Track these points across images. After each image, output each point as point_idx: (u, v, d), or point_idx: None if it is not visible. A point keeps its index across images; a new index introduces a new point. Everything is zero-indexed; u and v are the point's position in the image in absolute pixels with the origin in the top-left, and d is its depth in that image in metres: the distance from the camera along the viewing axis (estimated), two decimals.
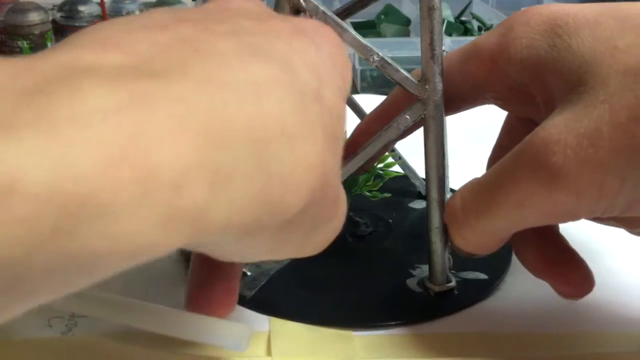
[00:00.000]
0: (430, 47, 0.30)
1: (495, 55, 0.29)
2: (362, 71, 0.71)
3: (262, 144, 0.18)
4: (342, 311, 0.33)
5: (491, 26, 0.85)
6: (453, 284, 0.33)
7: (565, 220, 0.28)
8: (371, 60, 0.31)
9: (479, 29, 0.86)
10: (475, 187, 0.29)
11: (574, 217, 0.26)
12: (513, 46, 0.28)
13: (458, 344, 0.31)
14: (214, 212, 0.17)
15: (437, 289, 0.33)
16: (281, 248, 0.22)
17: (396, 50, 0.71)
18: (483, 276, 0.35)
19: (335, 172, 0.22)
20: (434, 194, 0.31)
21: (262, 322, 0.32)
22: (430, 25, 0.29)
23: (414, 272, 0.35)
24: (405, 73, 0.31)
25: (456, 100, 0.32)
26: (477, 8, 0.93)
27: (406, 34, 0.82)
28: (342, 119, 0.23)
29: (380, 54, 0.31)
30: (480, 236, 0.29)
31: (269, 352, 0.30)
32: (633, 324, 0.32)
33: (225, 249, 0.21)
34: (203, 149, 0.16)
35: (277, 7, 0.31)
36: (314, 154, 0.20)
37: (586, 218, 0.27)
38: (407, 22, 0.83)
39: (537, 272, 0.31)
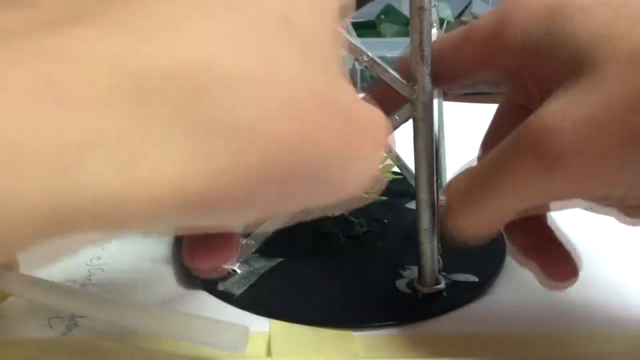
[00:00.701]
0: (420, 47, 0.29)
1: (490, 40, 0.29)
2: (362, 71, 0.71)
3: (187, 96, 0.15)
4: (329, 310, 0.33)
5: None
6: (442, 285, 0.33)
7: (563, 207, 0.27)
8: (361, 60, 0.31)
9: None
10: (472, 174, 0.28)
11: (572, 204, 0.27)
12: (508, 32, 0.28)
13: (461, 344, 0.31)
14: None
15: (425, 290, 0.33)
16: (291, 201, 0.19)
17: (396, 50, 0.71)
18: (473, 278, 0.35)
19: (329, 99, 0.18)
20: (423, 195, 0.31)
21: (262, 323, 0.32)
22: (420, 25, 0.29)
23: (404, 273, 0.35)
24: (394, 73, 0.31)
25: (446, 79, 0.31)
26: (477, 8, 0.93)
27: (406, 34, 0.81)
28: (329, 43, 0.19)
29: (369, 54, 0.31)
30: (476, 222, 0.28)
31: (269, 353, 0.30)
32: (625, 324, 0.32)
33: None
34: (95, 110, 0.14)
35: None
36: (284, 95, 0.17)
37: (583, 204, 0.27)
38: (407, 22, 0.83)
39: (522, 257, 0.30)
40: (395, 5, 0.85)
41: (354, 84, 0.72)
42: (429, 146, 0.31)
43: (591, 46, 0.24)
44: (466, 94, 0.67)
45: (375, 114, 0.21)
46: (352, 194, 0.20)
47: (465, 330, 0.32)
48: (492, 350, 0.30)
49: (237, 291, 0.34)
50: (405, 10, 0.84)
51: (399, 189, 0.42)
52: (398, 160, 0.42)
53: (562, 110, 0.24)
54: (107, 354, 0.30)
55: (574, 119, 0.24)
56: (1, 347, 0.30)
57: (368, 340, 0.31)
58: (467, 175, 0.28)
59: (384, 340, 0.31)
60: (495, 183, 0.26)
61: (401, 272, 0.35)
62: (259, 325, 0.32)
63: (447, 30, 0.80)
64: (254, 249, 0.35)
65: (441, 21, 0.83)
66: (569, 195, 0.25)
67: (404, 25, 0.83)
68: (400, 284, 0.34)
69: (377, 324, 0.32)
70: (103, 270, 0.36)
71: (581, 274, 0.30)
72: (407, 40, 0.82)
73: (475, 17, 0.88)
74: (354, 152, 0.19)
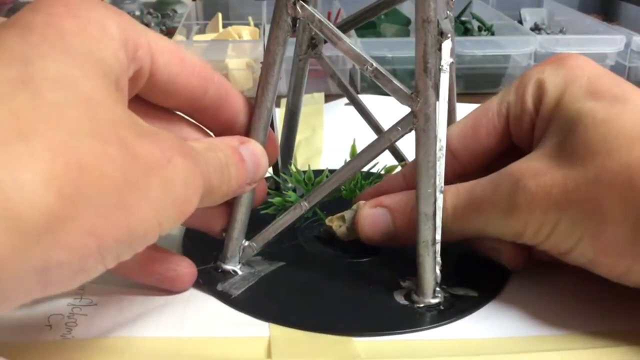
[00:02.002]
0: (423, 59, 0.29)
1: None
2: (362, 71, 0.71)
3: None
4: (326, 317, 0.33)
5: (491, 26, 0.85)
6: (439, 299, 0.33)
7: (514, 240, 0.33)
8: (365, 69, 0.31)
9: (479, 29, 0.86)
10: (460, 196, 0.33)
11: (521, 240, 0.32)
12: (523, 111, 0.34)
13: (464, 349, 0.31)
14: None
15: (422, 303, 0.33)
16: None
17: (396, 50, 0.71)
18: (473, 293, 0.35)
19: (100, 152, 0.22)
20: (423, 208, 0.31)
21: (263, 326, 0.32)
22: (425, 37, 0.29)
23: (403, 284, 0.35)
24: (397, 83, 0.31)
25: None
26: (477, 8, 0.93)
27: (406, 34, 0.81)
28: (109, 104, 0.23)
29: (374, 64, 0.31)
30: (453, 235, 0.34)
31: (269, 355, 0.30)
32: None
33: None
34: None
35: (275, 16, 0.31)
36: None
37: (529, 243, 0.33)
38: (407, 22, 0.82)
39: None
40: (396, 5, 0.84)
41: (355, 85, 0.72)
42: (430, 158, 0.31)
43: (567, 119, 0.31)
44: (464, 94, 0.67)
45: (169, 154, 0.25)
46: (146, 219, 0.24)
47: (463, 336, 0.32)
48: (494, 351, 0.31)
49: (235, 292, 0.34)
50: (405, 10, 0.84)
51: None
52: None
53: (535, 172, 0.31)
54: (107, 354, 0.30)
55: (539, 182, 0.30)
56: (1, 349, 0.30)
57: (368, 344, 0.31)
58: (459, 194, 0.33)
59: (384, 345, 0.31)
60: (477, 210, 0.33)
61: (401, 282, 0.35)
62: (259, 329, 0.32)
63: None
64: (255, 252, 0.35)
65: None
66: (518, 234, 0.32)
67: (404, 25, 0.82)
68: (398, 295, 0.34)
69: (372, 332, 0.32)
70: None
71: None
72: (407, 40, 0.81)
73: (475, 17, 0.88)
74: (132, 181, 0.23)
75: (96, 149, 0.22)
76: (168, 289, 0.34)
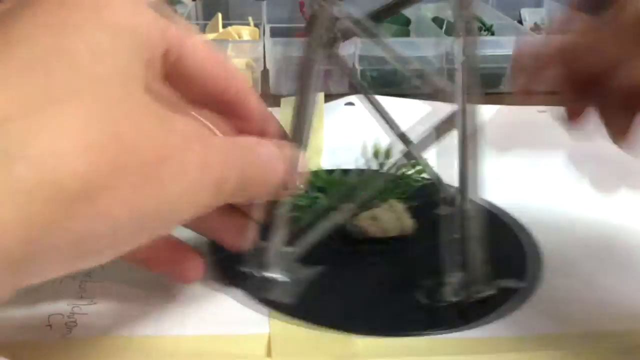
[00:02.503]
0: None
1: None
2: (362, 71, 0.71)
3: None
4: (339, 315, 0.33)
5: (491, 26, 0.85)
6: (460, 298, 0.33)
7: None
8: (406, 69, 0.32)
9: (479, 29, 0.86)
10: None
11: None
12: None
13: (464, 348, 0.31)
14: None
15: (442, 302, 0.33)
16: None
17: (396, 50, 0.71)
18: (515, 283, 0.35)
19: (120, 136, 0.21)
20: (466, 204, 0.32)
21: (263, 323, 0.32)
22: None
23: (424, 283, 0.35)
24: (443, 82, 0.31)
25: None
26: (477, 8, 0.93)
27: (406, 34, 0.81)
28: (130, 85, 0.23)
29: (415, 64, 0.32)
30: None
31: (269, 354, 0.30)
32: None
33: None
34: None
35: (313, 19, 0.32)
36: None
37: None
38: (407, 22, 0.82)
39: None
40: None
41: (354, 86, 0.72)
42: (475, 154, 0.31)
43: None
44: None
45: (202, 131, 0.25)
46: (180, 194, 0.23)
47: (463, 336, 0.32)
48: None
49: (285, 299, 0.34)
50: (405, 10, 0.84)
51: (430, 193, 0.41)
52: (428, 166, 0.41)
53: None
54: (107, 353, 0.30)
55: None
56: (1, 349, 0.30)
57: (368, 342, 0.31)
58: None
59: (384, 343, 0.31)
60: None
61: (422, 281, 0.35)
62: (259, 327, 0.32)
63: (447, 31, 0.79)
64: (295, 257, 0.34)
65: (441, 21, 0.83)
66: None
67: (404, 25, 0.82)
68: (419, 294, 0.34)
69: (388, 332, 0.32)
70: None
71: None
72: (407, 40, 0.80)
73: (478, 19, 0.88)
74: (168, 155, 0.22)
75: (132, 120, 0.21)
76: (177, 281, 0.34)
